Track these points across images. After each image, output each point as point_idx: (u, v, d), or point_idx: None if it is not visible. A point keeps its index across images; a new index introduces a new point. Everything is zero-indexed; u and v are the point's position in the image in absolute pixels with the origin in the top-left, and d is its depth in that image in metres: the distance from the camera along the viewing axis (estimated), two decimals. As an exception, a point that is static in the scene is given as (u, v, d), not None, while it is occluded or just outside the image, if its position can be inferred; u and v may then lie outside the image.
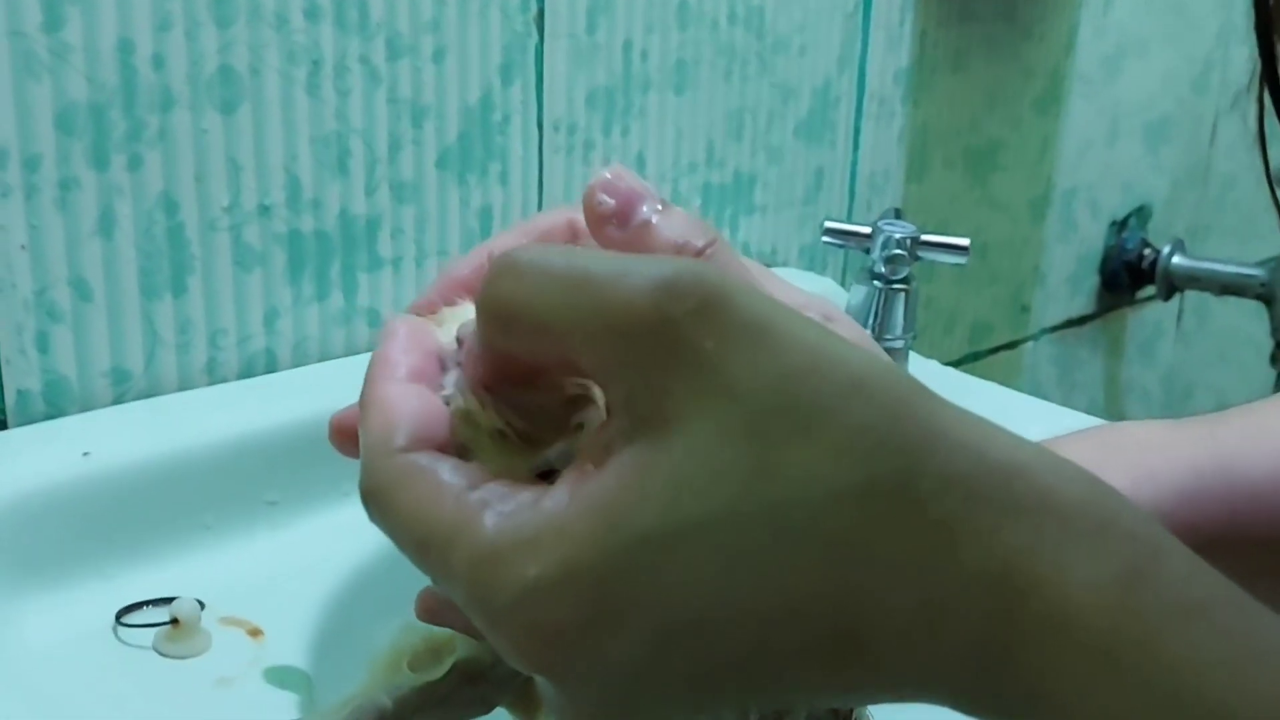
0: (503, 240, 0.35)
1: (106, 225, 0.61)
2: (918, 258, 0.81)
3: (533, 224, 0.36)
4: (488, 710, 0.45)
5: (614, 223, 0.31)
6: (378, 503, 0.29)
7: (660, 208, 0.31)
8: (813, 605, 0.26)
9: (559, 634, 0.26)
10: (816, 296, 0.35)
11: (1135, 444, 0.46)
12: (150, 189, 0.62)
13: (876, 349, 0.36)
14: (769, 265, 0.91)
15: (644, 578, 0.26)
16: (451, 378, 0.31)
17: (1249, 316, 1.29)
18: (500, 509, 0.27)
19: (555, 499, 0.27)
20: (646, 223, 0.31)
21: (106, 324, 0.62)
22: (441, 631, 0.41)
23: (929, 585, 0.26)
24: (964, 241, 0.81)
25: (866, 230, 0.82)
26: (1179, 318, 1.38)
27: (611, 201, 0.31)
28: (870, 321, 0.81)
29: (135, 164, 0.61)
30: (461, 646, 0.42)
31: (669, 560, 0.26)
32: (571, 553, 0.26)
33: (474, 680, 0.42)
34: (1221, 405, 1.52)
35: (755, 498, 0.26)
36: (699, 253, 0.31)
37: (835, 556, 0.26)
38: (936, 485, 0.26)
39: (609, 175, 0.32)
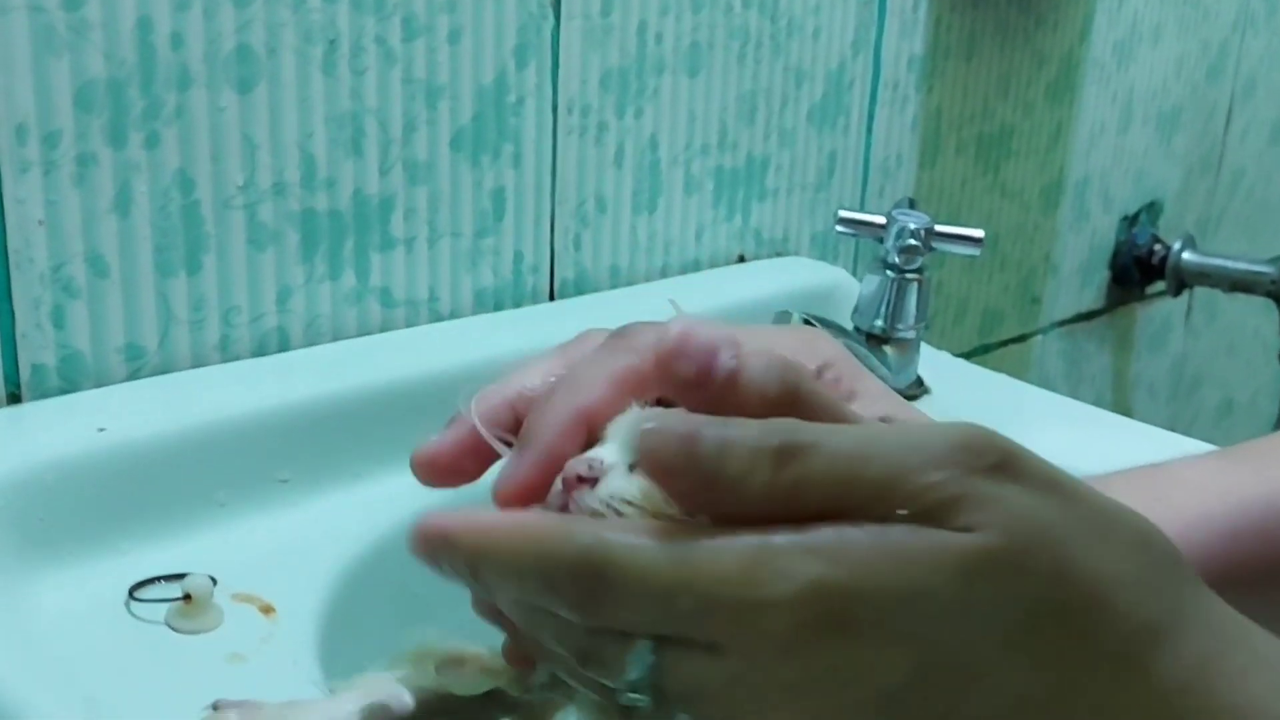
0: (540, 366, 0.37)
1: (123, 202, 0.61)
2: (931, 248, 0.81)
3: (576, 345, 0.38)
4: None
5: (696, 386, 0.32)
6: None
7: (736, 355, 0.32)
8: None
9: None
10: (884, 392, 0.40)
11: (1186, 487, 0.47)
12: (167, 167, 0.62)
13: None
14: (780, 254, 0.92)
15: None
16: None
17: (1258, 313, 1.29)
18: None
19: None
20: (731, 376, 0.32)
21: (122, 300, 0.62)
22: (467, 646, 0.42)
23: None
24: (978, 233, 0.81)
25: (881, 220, 0.82)
26: (1188, 313, 1.38)
27: (692, 367, 0.32)
28: (883, 311, 0.81)
29: (153, 142, 0.61)
30: (484, 664, 0.42)
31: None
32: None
33: (496, 703, 0.42)
34: (1228, 402, 1.52)
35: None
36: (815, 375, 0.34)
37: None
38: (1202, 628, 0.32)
39: (679, 336, 0.32)
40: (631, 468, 0.34)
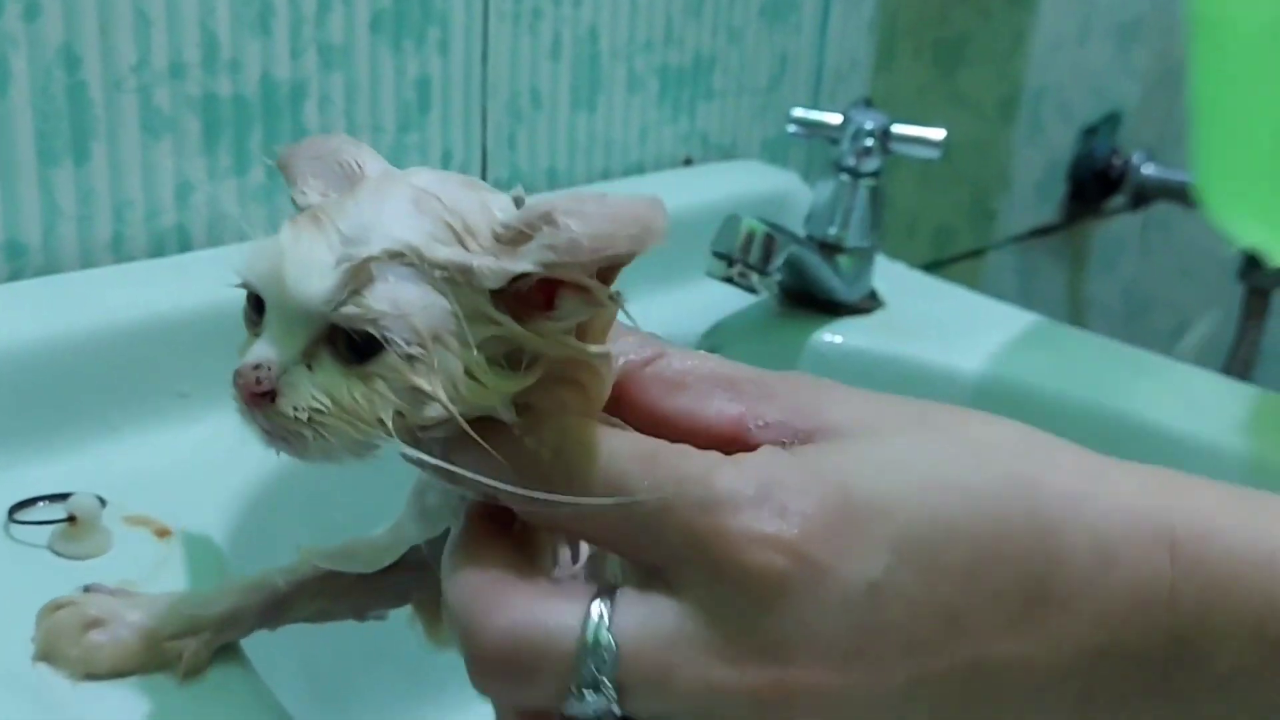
0: None
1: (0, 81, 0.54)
2: (889, 151, 0.77)
3: None
4: (401, 603, 0.41)
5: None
6: None
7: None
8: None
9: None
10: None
11: None
12: (49, 41, 0.55)
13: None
14: (730, 158, 0.86)
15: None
16: None
17: (1213, 232, 1.26)
18: None
19: None
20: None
21: (0, 191, 0.56)
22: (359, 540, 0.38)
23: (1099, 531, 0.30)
24: (938, 134, 0.77)
25: (836, 120, 0.77)
26: (1143, 231, 1.35)
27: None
28: (836, 218, 0.76)
29: (32, 12, 0.54)
30: (376, 545, 0.38)
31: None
32: None
33: (389, 587, 0.38)
34: (1181, 323, 1.49)
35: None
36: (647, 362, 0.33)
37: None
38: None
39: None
40: (308, 365, 0.31)
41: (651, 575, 0.30)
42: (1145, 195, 1.19)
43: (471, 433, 0.30)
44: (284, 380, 0.31)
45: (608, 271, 0.30)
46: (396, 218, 0.31)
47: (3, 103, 0.55)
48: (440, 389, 0.30)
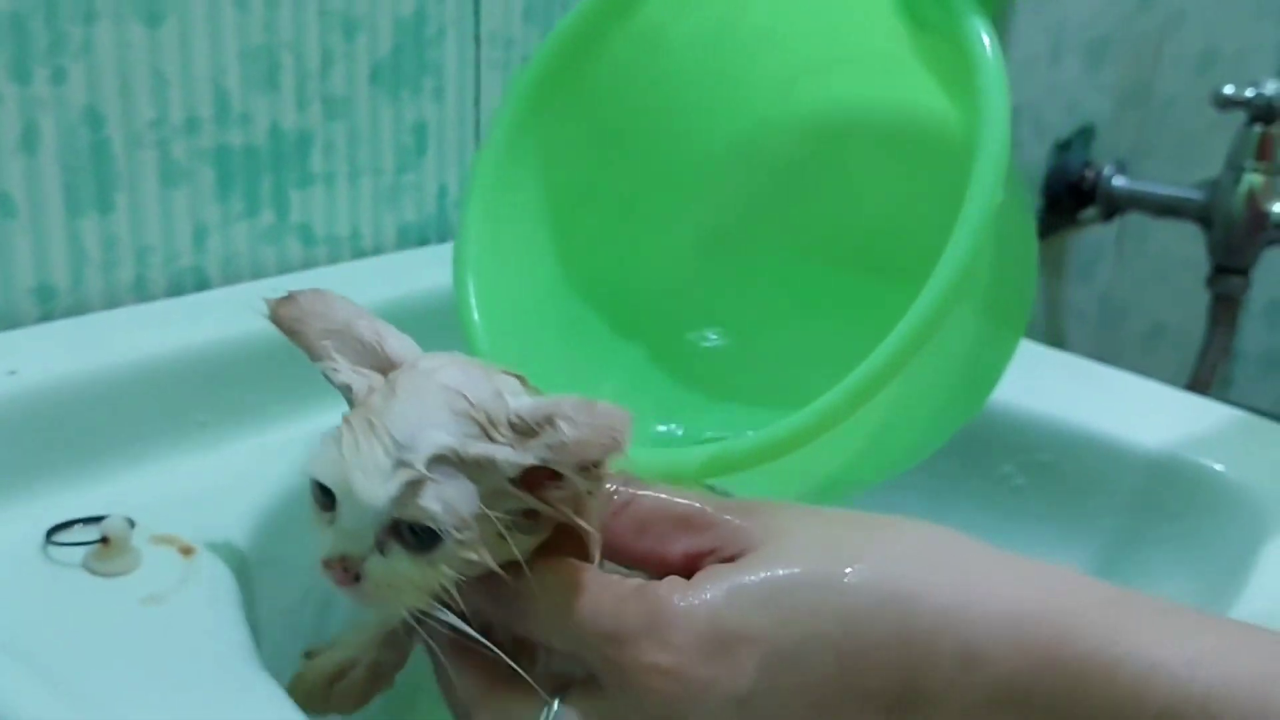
0: None
1: (29, 140, 0.59)
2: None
3: None
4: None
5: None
6: None
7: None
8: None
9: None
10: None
11: None
12: (74, 103, 0.60)
13: None
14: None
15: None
16: None
17: (1186, 241, 1.30)
18: None
19: None
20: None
21: (31, 240, 0.61)
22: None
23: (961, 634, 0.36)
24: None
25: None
26: (1118, 239, 1.39)
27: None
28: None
29: (59, 77, 0.59)
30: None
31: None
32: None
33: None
34: (1156, 328, 1.53)
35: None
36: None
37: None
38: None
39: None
40: (380, 550, 0.38)
41: (591, 678, 0.39)
42: (1116, 206, 1.23)
43: (501, 573, 0.39)
44: (364, 567, 0.39)
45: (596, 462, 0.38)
46: (437, 424, 0.38)
47: (33, 160, 0.60)
48: (487, 556, 0.38)
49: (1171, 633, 0.35)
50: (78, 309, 0.63)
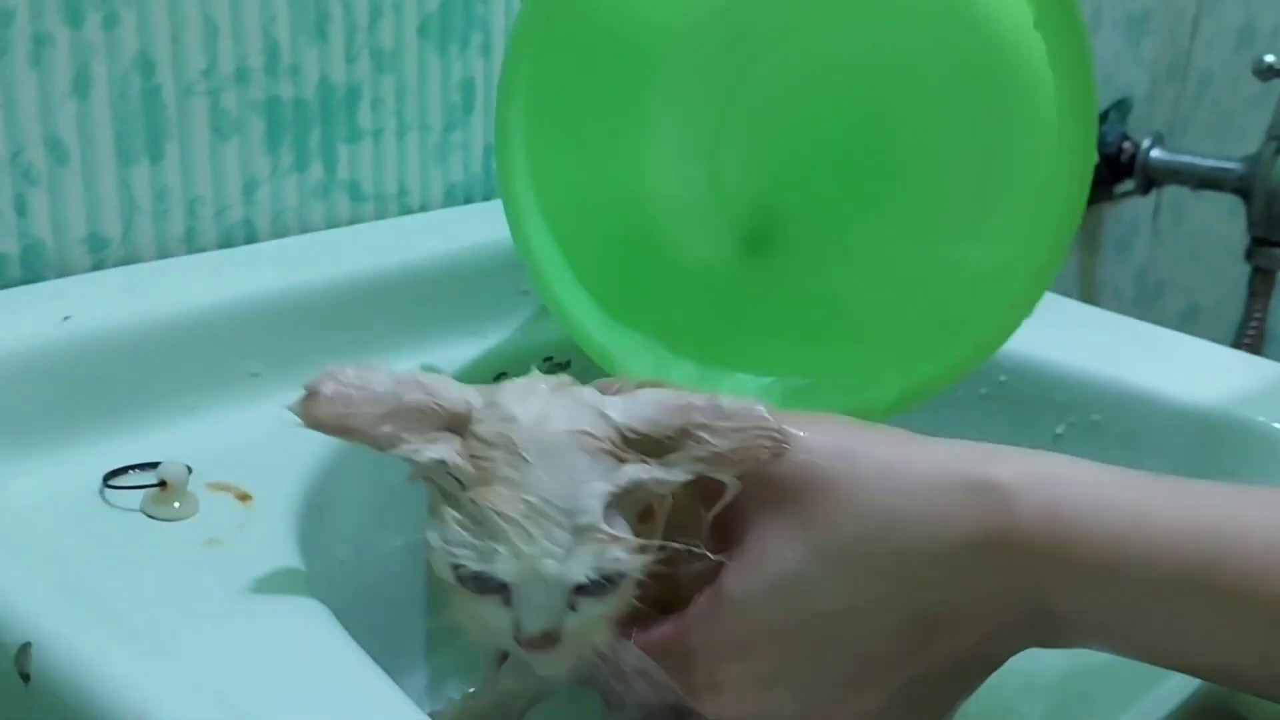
0: None
1: (82, 85, 0.59)
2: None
3: None
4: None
5: None
6: None
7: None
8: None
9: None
10: None
11: None
12: (126, 48, 0.60)
13: None
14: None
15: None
16: None
17: (1224, 216, 1.29)
18: None
19: None
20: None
21: (83, 189, 0.60)
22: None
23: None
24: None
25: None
26: (1155, 215, 1.38)
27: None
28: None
29: (111, 22, 0.59)
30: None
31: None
32: None
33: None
34: (1192, 308, 1.52)
35: None
36: None
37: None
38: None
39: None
40: (572, 607, 0.39)
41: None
42: (1154, 178, 1.22)
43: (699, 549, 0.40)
44: (561, 631, 0.39)
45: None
46: (586, 475, 0.38)
47: (85, 106, 0.59)
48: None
49: None
50: (129, 258, 0.63)
